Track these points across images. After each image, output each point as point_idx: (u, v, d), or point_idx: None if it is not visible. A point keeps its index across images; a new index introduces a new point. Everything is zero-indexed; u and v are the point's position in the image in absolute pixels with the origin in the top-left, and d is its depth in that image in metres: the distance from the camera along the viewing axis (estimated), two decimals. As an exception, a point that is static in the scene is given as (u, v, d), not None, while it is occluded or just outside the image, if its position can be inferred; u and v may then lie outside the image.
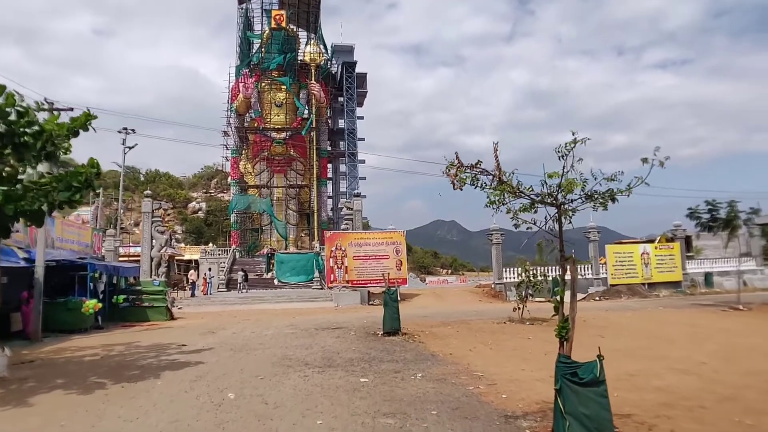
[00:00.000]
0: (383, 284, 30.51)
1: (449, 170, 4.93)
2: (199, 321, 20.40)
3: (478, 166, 4.98)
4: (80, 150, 10.24)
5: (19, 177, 9.24)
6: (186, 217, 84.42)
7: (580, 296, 33.13)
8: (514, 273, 33.31)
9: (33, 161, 9.26)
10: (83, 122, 9.85)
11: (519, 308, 18.60)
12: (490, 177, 5.07)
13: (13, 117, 8.85)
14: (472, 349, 12.17)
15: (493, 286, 33.39)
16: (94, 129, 9.99)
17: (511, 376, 9.16)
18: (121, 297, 20.29)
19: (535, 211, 5.19)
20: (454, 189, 4.96)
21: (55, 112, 14.80)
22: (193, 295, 30.52)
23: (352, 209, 31.03)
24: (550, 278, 33.08)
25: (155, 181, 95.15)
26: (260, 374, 8.95)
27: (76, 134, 9.86)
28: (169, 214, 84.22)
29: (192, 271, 32.68)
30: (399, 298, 14.43)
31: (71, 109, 15.44)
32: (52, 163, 9.93)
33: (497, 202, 5.11)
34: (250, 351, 11.68)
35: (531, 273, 19.71)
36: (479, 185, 5.07)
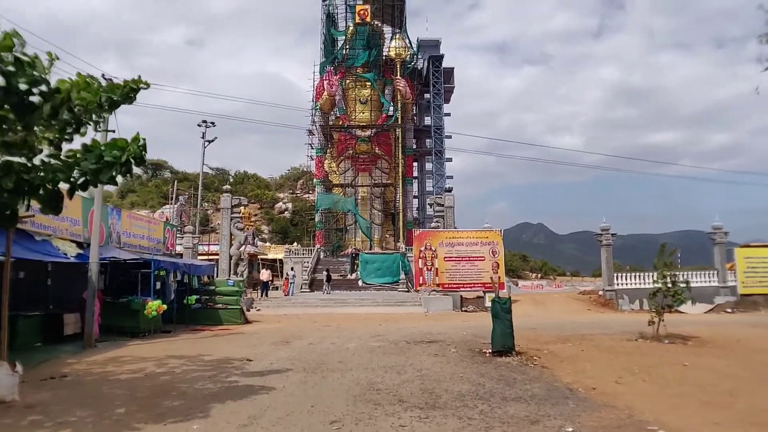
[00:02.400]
0: (478, 289, 27.67)
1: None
2: (276, 326, 18.31)
3: None
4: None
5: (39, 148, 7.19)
6: (273, 217, 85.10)
7: (706, 307, 28.46)
8: (626, 279, 29.20)
9: (44, 127, 7.10)
10: (125, 92, 7.64)
11: (654, 322, 15.00)
12: None
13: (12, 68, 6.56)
14: (619, 381, 9.01)
15: (601, 293, 29.38)
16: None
17: (709, 436, 6.01)
18: (193, 298, 18.59)
19: None
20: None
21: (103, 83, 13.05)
22: (264, 295, 28.75)
23: (442, 205, 28.15)
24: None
25: (243, 182, 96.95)
26: (337, 417, 6.33)
27: (114, 105, 7.68)
28: (256, 214, 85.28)
29: (264, 270, 30.99)
30: (508, 307, 11.36)
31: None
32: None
33: None
34: (327, 373, 9.15)
35: (670, 278, 15.90)
36: None
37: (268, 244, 65.60)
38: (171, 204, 38.02)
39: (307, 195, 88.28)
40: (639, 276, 28.92)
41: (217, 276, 26.82)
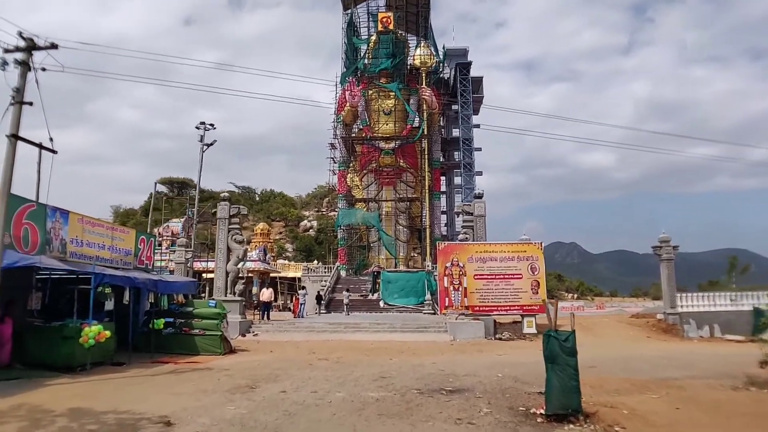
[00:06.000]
0: (515, 312, 23.43)
1: None
2: (261, 358, 14.63)
3: None
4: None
5: None
6: (297, 236, 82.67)
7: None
8: (692, 300, 24.63)
9: None
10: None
11: (768, 363, 10.84)
12: None
13: None
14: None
15: (662, 317, 24.85)
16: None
17: None
18: (161, 321, 15.08)
19: None
20: None
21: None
22: (266, 318, 25.03)
23: (471, 214, 24.20)
24: (747, 307, 24.25)
25: (269, 200, 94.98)
26: None
27: None
28: (281, 232, 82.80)
29: (265, 289, 27.40)
30: (572, 346, 7.41)
31: (55, 47, 10.44)
32: None
33: None
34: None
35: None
36: None
37: (288, 262, 62.80)
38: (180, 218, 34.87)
39: (332, 213, 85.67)
40: (708, 297, 24.40)
41: (211, 295, 23.51)
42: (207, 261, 32.39)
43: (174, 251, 26.23)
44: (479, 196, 24.94)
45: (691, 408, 8.55)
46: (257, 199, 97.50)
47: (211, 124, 29.04)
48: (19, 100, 10.12)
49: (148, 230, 29.86)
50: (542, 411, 7.49)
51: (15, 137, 10.00)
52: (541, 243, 23.59)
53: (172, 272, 25.03)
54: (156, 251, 20.37)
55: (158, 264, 26.37)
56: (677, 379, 11.32)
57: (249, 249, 32.26)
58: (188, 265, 25.65)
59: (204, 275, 35.51)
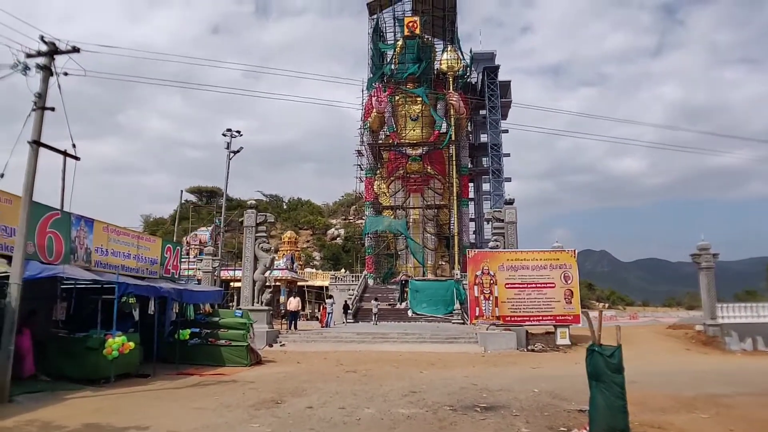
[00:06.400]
0: (548, 322, 22.65)
1: None
2: (287, 370, 14.29)
3: None
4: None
5: None
6: (324, 244, 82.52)
7: None
8: (734, 311, 23.50)
9: None
10: None
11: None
12: None
13: None
14: None
15: (702, 328, 23.78)
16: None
17: None
18: (187, 332, 14.86)
19: None
20: None
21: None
22: (293, 328, 24.68)
23: (502, 221, 23.57)
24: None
25: (297, 208, 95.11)
26: None
27: None
28: (308, 240, 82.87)
29: (292, 298, 27.09)
30: (618, 362, 6.85)
31: (77, 50, 10.34)
32: None
33: None
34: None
35: None
36: None
37: (316, 270, 62.61)
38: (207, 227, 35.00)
39: (359, 221, 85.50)
40: (751, 308, 23.27)
41: (238, 304, 23.37)
42: (234, 270, 32.38)
43: (201, 260, 26.19)
44: (510, 203, 24.31)
45: (744, 429, 7.89)
46: (285, 207, 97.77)
47: (238, 131, 29.07)
48: (41, 105, 10.02)
49: (176, 239, 29.94)
50: (585, 432, 6.94)
51: (37, 143, 9.89)
52: (574, 250, 22.84)
53: (199, 281, 25.01)
54: (183, 260, 20.29)
55: (186, 273, 26.40)
56: (725, 395, 10.60)
57: (276, 257, 32.12)
58: (215, 273, 25.58)
59: (231, 284, 35.52)
